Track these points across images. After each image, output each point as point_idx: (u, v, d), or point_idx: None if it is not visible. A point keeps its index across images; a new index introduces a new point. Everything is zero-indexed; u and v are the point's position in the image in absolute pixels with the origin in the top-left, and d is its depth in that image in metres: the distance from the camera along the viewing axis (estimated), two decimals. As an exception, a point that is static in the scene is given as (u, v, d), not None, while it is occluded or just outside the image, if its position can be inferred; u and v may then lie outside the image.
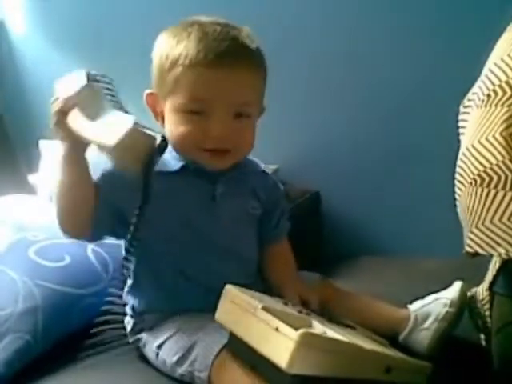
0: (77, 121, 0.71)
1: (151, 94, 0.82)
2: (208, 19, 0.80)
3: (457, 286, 0.89)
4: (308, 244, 1.01)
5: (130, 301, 0.87)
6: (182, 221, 0.81)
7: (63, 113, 0.72)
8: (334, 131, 1.40)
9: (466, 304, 0.88)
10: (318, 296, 0.83)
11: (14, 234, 1.02)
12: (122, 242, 0.85)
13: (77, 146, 0.74)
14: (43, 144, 1.50)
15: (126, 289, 0.88)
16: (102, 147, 0.69)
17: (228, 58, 0.75)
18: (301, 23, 1.34)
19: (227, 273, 0.81)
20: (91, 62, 1.58)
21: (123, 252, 0.80)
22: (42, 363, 0.85)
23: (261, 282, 0.87)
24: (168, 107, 0.79)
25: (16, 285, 0.90)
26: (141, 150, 0.69)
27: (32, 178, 1.42)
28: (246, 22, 0.84)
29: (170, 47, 0.77)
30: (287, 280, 0.86)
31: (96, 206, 0.77)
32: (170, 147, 0.77)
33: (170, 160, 0.81)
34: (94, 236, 0.82)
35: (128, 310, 0.88)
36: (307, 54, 1.34)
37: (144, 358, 0.85)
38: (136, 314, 0.86)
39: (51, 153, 1.46)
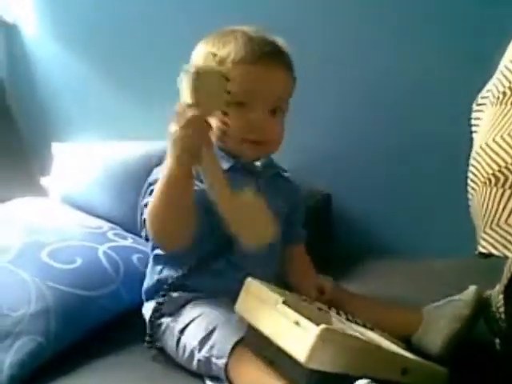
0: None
1: None
2: (246, 28, 0.90)
3: (472, 289, 0.89)
4: (319, 246, 1.01)
5: (159, 275, 0.89)
6: None
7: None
8: (344, 132, 1.40)
9: (481, 308, 0.87)
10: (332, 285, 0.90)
11: (26, 237, 1.02)
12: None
13: (190, 173, 0.77)
14: (56, 147, 1.50)
15: (156, 264, 0.90)
16: None
17: (270, 58, 0.88)
18: (303, 24, 1.34)
19: (258, 265, 0.86)
20: (104, 64, 1.59)
21: None
22: (56, 365, 0.85)
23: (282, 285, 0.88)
24: None
25: (28, 286, 0.90)
26: (216, 85, 0.75)
27: (44, 181, 1.43)
28: (250, 23, 0.90)
29: (217, 48, 0.87)
30: (307, 277, 0.95)
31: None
32: (217, 150, 0.87)
33: (220, 159, 0.86)
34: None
35: (150, 293, 0.90)
36: (316, 56, 1.33)
37: (159, 359, 0.85)
38: (159, 286, 0.87)
39: (63, 156, 1.47)
